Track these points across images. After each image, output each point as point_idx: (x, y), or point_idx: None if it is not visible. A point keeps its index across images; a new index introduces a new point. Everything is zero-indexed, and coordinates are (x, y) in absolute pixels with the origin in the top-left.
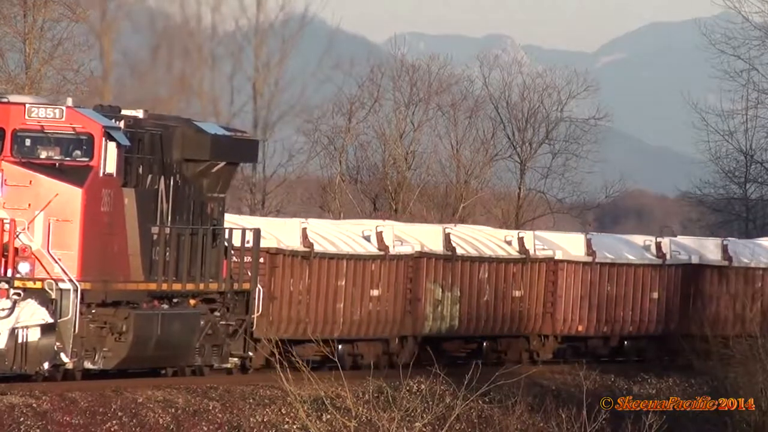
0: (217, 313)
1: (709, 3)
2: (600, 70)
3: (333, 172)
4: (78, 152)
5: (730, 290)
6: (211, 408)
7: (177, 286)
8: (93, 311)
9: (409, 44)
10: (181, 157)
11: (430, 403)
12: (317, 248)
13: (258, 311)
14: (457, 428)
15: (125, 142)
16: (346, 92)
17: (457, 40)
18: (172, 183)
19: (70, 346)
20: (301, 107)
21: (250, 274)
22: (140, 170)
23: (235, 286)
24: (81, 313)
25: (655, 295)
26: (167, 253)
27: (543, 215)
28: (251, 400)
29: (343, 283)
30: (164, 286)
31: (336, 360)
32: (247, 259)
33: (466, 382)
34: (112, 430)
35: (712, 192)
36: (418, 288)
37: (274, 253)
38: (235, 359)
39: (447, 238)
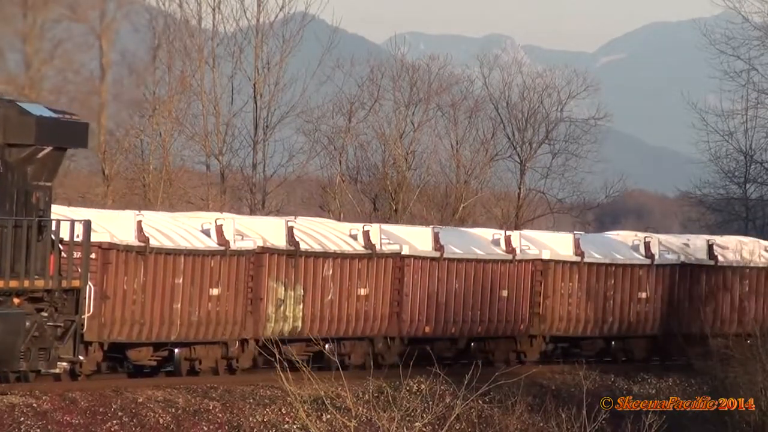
0: (44, 314)
1: (709, 3)
2: (600, 70)
3: (333, 172)
4: None
5: (582, 288)
6: (211, 408)
7: None
8: None
9: (409, 44)
10: (3, 141)
11: (430, 403)
12: (153, 243)
13: (89, 311)
14: (457, 428)
15: None
16: (346, 92)
17: (457, 40)
18: None
19: None
20: (302, 107)
21: (80, 270)
22: None
23: (64, 283)
24: None
25: (505, 293)
26: None
27: (543, 215)
28: (251, 400)
29: (181, 281)
30: None
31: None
32: (77, 254)
33: (466, 382)
34: (112, 430)
35: (712, 192)
36: (259, 286)
37: (106, 248)
38: (65, 364)
39: (290, 232)
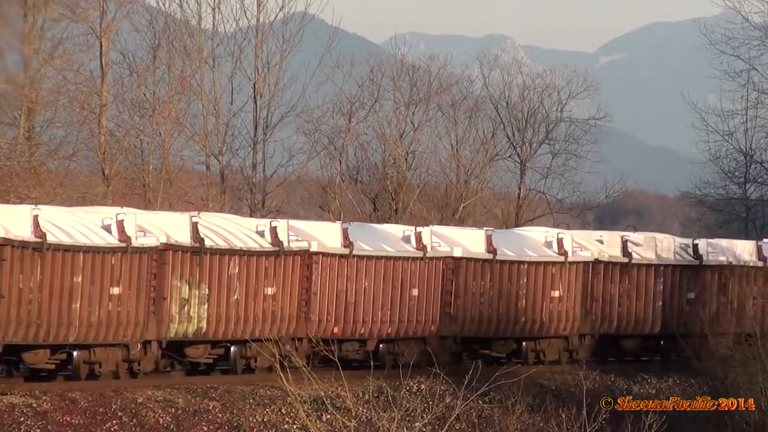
0: None
1: (709, 3)
2: (600, 70)
3: (333, 172)
4: None
5: (494, 286)
6: (211, 408)
7: None
8: None
9: (409, 44)
10: None
11: (430, 403)
12: (51, 239)
13: None
14: (457, 428)
15: None
16: (346, 92)
17: (457, 40)
18: None
19: None
20: (302, 107)
21: None
22: None
23: None
24: None
25: (415, 292)
26: None
27: (543, 215)
28: (251, 400)
29: (80, 279)
30: None
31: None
32: None
33: (466, 382)
34: (112, 430)
35: (712, 192)
36: (163, 285)
37: (0, 244)
38: None
39: (194, 228)
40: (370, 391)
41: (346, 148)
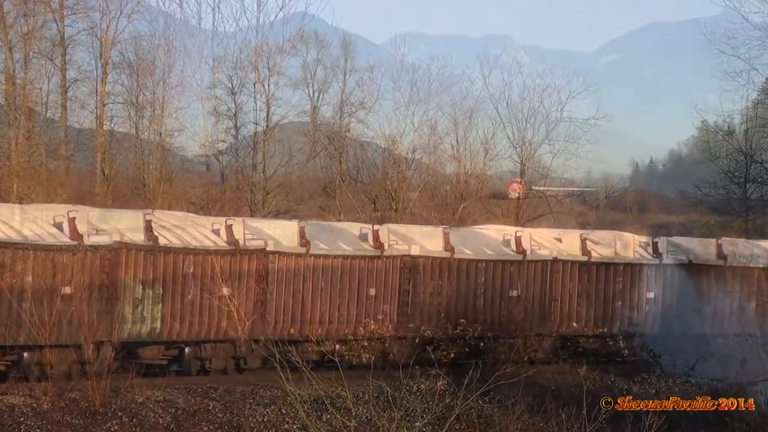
0: None
1: (709, 3)
2: (600, 70)
3: (333, 172)
4: None
5: (452, 285)
6: (211, 408)
7: None
8: None
9: (409, 44)
10: None
11: (430, 403)
12: (1, 237)
13: None
14: (457, 428)
15: None
16: (347, 92)
17: (457, 40)
18: None
19: None
20: (302, 108)
21: None
22: None
23: None
24: None
25: (372, 291)
26: None
27: (543, 215)
28: (251, 400)
29: (30, 278)
30: None
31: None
32: None
33: (466, 382)
34: (112, 430)
35: (712, 192)
36: (116, 284)
37: None
38: None
39: (148, 226)
40: (370, 391)
41: (346, 148)
